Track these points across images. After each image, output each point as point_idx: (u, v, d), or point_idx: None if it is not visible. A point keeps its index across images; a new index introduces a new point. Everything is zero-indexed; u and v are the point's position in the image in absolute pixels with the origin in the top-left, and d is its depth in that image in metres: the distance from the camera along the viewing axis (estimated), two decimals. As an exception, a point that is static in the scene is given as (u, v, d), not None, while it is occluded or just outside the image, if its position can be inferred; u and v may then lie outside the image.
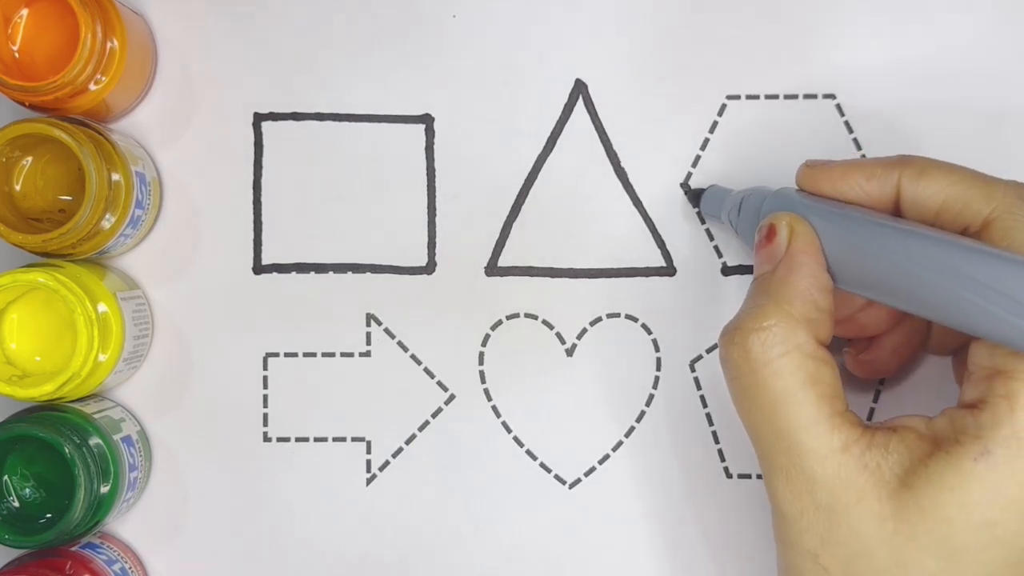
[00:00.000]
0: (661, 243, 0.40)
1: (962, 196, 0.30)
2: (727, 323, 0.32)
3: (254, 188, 0.40)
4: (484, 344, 0.40)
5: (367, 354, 0.40)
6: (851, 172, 0.33)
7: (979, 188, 0.30)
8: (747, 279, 0.39)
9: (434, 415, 0.40)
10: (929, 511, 0.29)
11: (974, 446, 0.29)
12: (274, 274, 0.40)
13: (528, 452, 0.40)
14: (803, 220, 0.32)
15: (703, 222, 0.40)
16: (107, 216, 0.36)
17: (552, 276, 0.40)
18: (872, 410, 0.39)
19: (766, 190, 0.35)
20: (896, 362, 0.37)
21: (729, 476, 0.40)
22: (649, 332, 0.40)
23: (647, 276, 0.40)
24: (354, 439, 0.40)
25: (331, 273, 0.40)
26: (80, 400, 0.38)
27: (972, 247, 0.28)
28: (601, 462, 0.40)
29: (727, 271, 0.40)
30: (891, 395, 0.39)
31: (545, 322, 0.40)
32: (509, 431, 0.40)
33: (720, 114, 0.39)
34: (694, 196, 0.39)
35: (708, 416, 0.40)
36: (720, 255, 0.40)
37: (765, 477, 0.32)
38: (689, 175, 0.40)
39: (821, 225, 0.32)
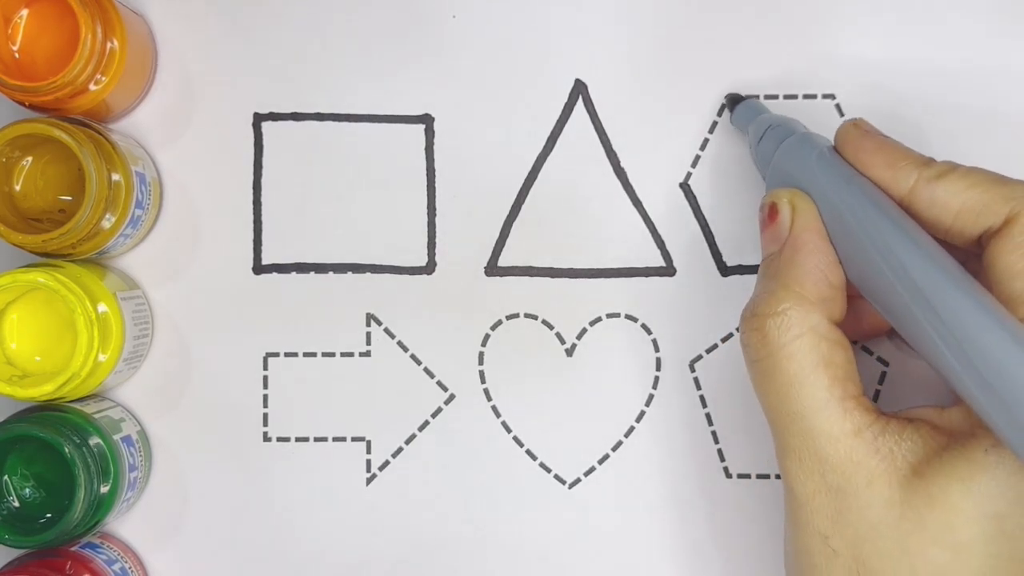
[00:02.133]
0: (661, 243, 0.40)
1: (980, 199, 0.30)
2: (745, 307, 0.32)
3: (254, 188, 0.40)
4: (484, 344, 0.40)
5: (367, 354, 0.40)
6: (876, 152, 0.32)
7: (997, 190, 0.30)
8: (747, 279, 0.40)
9: (434, 415, 0.40)
10: (938, 500, 0.29)
11: (986, 438, 0.29)
12: (274, 274, 0.40)
13: (528, 452, 0.40)
14: (804, 196, 0.33)
15: (701, 222, 0.40)
16: (107, 216, 0.36)
17: (552, 276, 0.40)
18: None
19: (792, 127, 0.35)
20: (880, 326, 0.36)
21: (729, 476, 0.40)
22: (649, 332, 0.40)
23: (647, 276, 0.40)
24: (354, 439, 0.40)
25: (331, 273, 0.40)
26: (80, 400, 0.38)
27: (950, 276, 0.28)
28: (601, 462, 0.40)
29: (727, 271, 0.40)
30: (894, 386, 0.39)
31: (545, 322, 0.40)
32: (509, 431, 0.40)
33: (720, 114, 0.39)
34: (731, 101, 0.39)
35: (708, 416, 0.40)
36: (720, 255, 0.40)
37: (779, 458, 0.32)
38: (689, 175, 0.40)
39: (820, 193, 0.32)
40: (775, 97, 0.39)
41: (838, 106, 0.39)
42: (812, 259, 0.32)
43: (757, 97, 0.39)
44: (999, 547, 0.29)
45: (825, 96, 0.39)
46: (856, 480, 0.30)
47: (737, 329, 0.39)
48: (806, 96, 0.39)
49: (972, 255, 0.32)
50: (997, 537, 0.29)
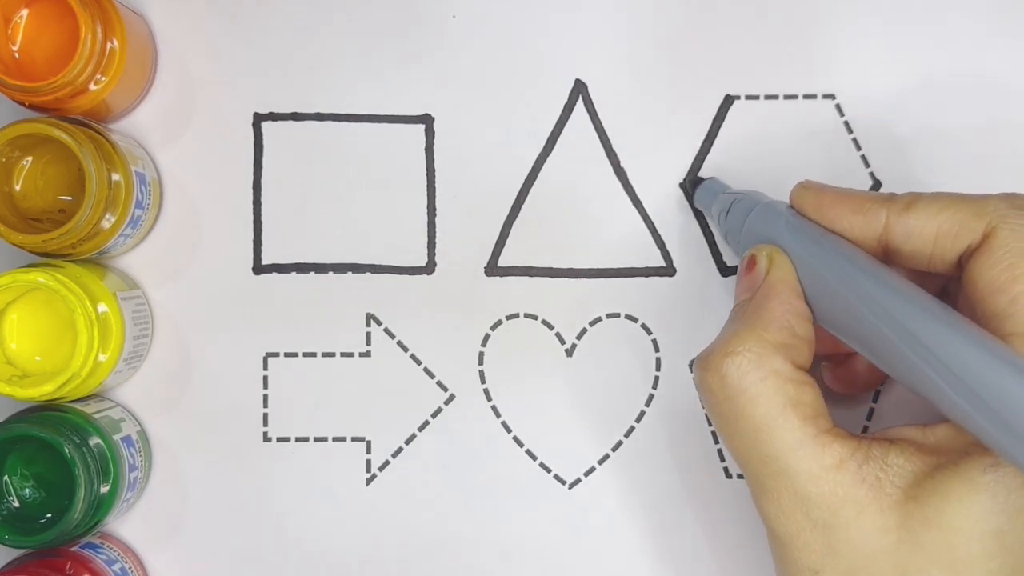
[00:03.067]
0: (661, 243, 0.40)
1: (954, 220, 0.30)
2: (701, 351, 0.32)
3: (254, 188, 0.40)
4: (484, 344, 0.40)
5: (367, 354, 0.40)
6: (840, 203, 0.32)
7: (969, 208, 0.30)
8: (747, 279, 0.40)
9: (434, 415, 0.40)
10: (935, 521, 0.29)
11: (984, 458, 0.28)
12: (274, 274, 0.40)
13: (528, 452, 0.40)
14: (782, 252, 0.33)
15: (700, 222, 0.40)
16: (107, 216, 0.36)
17: (552, 276, 0.40)
18: (866, 427, 0.39)
19: (758, 198, 0.35)
20: (874, 378, 0.37)
21: (728, 476, 0.40)
22: (649, 332, 0.40)
23: (647, 276, 0.40)
24: (354, 439, 0.40)
25: (331, 273, 0.40)
26: (80, 400, 0.38)
27: (935, 314, 0.28)
28: (601, 462, 0.40)
29: (727, 271, 0.40)
30: (888, 406, 0.39)
31: (545, 322, 0.40)
32: (509, 431, 0.40)
33: (720, 114, 0.39)
34: (691, 184, 0.39)
35: (707, 416, 0.40)
36: (720, 255, 0.40)
37: (756, 500, 0.31)
38: (689, 175, 0.40)
39: (795, 253, 0.32)
40: (775, 97, 0.39)
41: (838, 106, 0.39)
42: (780, 307, 0.31)
43: (713, 178, 0.39)
44: (1000, 562, 0.29)
45: (825, 96, 0.39)
46: (844, 513, 0.29)
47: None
48: (806, 96, 0.39)
49: (953, 280, 0.31)
50: (998, 553, 0.28)
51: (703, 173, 0.39)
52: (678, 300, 0.40)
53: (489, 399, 0.40)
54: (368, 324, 0.40)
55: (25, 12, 0.37)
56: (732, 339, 0.31)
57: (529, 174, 0.40)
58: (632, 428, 0.40)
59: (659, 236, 0.40)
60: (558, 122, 0.40)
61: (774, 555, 0.32)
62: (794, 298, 0.32)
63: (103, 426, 0.37)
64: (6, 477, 0.37)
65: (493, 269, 0.40)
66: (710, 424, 0.40)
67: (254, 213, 0.40)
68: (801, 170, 0.39)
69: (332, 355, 0.40)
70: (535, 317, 0.40)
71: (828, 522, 0.30)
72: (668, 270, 0.40)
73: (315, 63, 0.40)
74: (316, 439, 0.40)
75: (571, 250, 0.40)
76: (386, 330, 0.40)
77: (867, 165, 0.39)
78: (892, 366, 0.29)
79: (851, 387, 0.37)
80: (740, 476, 0.39)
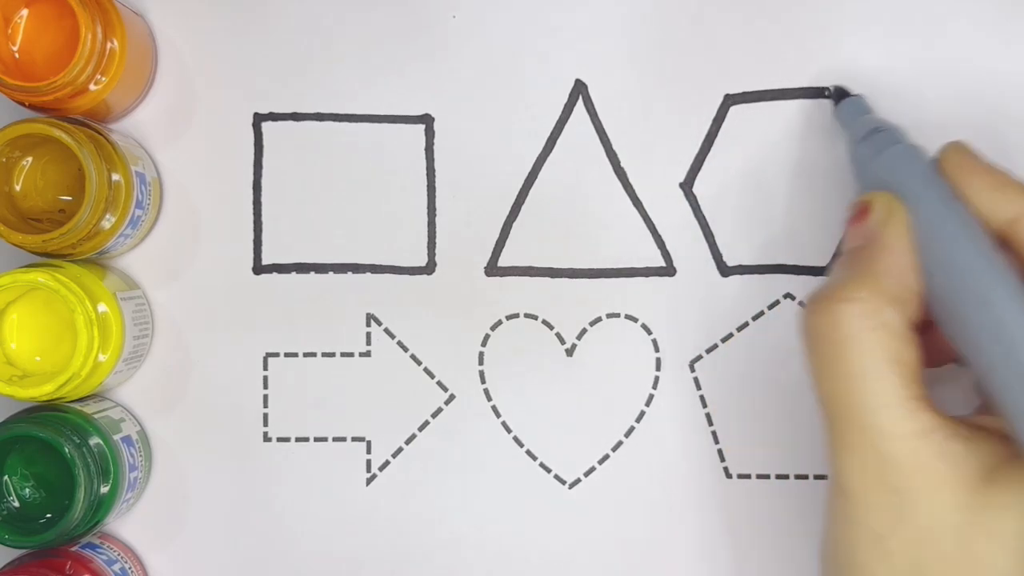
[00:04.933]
0: (661, 243, 0.40)
1: None
2: (811, 292, 0.32)
3: (254, 188, 0.40)
4: (484, 344, 0.40)
5: (367, 354, 0.40)
6: (983, 173, 0.32)
7: None
8: (747, 279, 0.40)
9: (434, 415, 0.40)
10: (1010, 508, 0.29)
11: None
12: (274, 274, 0.40)
13: (528, 452, 0.40)
14: (901, 204, 0.32)
15: (700, 222, 0.40)
16: (107, 216, 0.36)
17: (552, 276, 0.40)
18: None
19: (899, 136, 0.35)
20: (942, 356, 0.36)
21: (729, 476, 0.40)
22: (649, 332, 0.40)
23: (647, 276, 0.40)
24: (354, 439, 0.40)
25: (331, 273, 0.40)
26: (80, 400, 0.38)
27: None
28: (601, 462, 0.40)
29: (727, 271, 0.40)
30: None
31: (545, 322, 0.40)
32: (509, 431, 0.40)
33: (720, 114, 0.39)
34: (837, 95, 0.38)
35: (708, 416, 0.40)
36: (720, 255, 0.40)
37: (832, 451, 0.31)
38: (689, 175, 0.40)
39: (920, 209, 0.32)
40: (775, 97, 0.39)
41: (838, 106, 0.39)
42: (898, 260, 0.31)
43: (861, 95, 0.38)
44: None
45: (825, 96, 0.39)
46: (920, 483, 0.29)
47: (738, 329, 0.39)
48: (806, 96, 0.39)
49: None
50: None
51: (701, 176, 0.39)
52: (678, 300, 0.40)
53: (489, 399, 0.40)
54: (368, 324, 0.40)
55: (25, 12, 0.37)
56: (848, 285, 0.31)
57: (529, 174, 0.40)
58: (632, 428, 0.40)
59: (659, 236, 0.40)
60: (558, 122, 0.40)
61: (833, 513, 0.31)
62: (911, 253, 0.31)
63: (103, 426, 0.37)
64: (6, 477, 0.37)
65: (493, 269, 0.40)
66: (710, 424, 0.40)
67: (254, 213, 0.40)
68: (801, 170, 0.39)
69: (332, 355, 0.40)
70: (535, 317, 0.40)
71: (902, 488, 0.29)
72: (668, 270, 0.40)
73: (315, 63, 0.40)
74: (316, 439, 0.40)
75: (571, 250, 0.40)
76: (386, 330, 0.40)
77: (867, 165, 0.39)
78: (968, 349, 0.29)
79: (933, 357, 0.36)
80: (740, 476, 0.39)
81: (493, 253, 0.40)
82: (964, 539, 0.29)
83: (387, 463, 0.40)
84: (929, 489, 0.29)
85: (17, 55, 0.37)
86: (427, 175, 0.40)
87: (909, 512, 0.29)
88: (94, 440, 0.36)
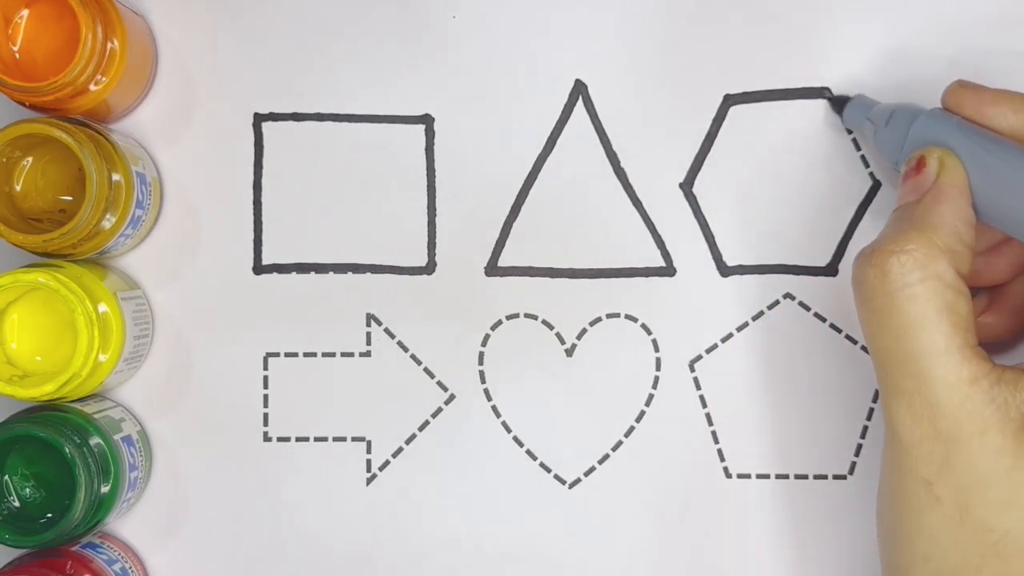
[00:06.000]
0: (661, 243, 0.40)
1: None
2: (864, 246, 0.32)
3: (254, 188, 0.40)
4: (484, 344, 0.40)
5: (367, 354, 0.40)
6: (1001, 101, 0.33)
7: None
8: (747, 279, 0.40)
9: (434, 415, 0.40)
10: None
11: None
12: (274, 274, 0.40)
13: (528, 452, 0.40)
14: (954, 156, 0.33)
15: (700, 222, 0.40)
16: (107, 216, 0.36)
17: (552, 276, 0.40)
18: (865, 427, 0.39)
19: (917, 108, 0.35)
20: (1018, 324, 0.36)
21: (728, 476, 0.40)
22: (649, 332, 0.40)
23: (647, 276, 0.40)
24: (354, 439, 0.40)
25: (331, 273, 0.40)
26: (80, 400, 0.38)
27: None
28: (601, 462, 0.40)
29: (726, 271, 0.40)
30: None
31: (545, 322, 0.40)
32: (509, 431, 0.40)
33: (720, 114, 0.39)
34: (838, 104, 0.39)
35: (708, 416, 0.40)
36: (720, 255, 0.40)
37: (885, 401, 0.32)
38: (689, 175, 0.40)
39: (970, 155, 0.32)
40: (775, 97, 0.39)
41: (838, 106, 0.39)
42: (951, 211, 0.32)
43: (860, 95, 0.38)
44: None
45: (824, 97, 0.39)
46: (969, 428, 0.30)
47: (737, 330, 0.40)
48: (806, 96, 0.39)
49: None
50: None
51: (701, 176, 0.39)
52: (678, 300, 0.40)
53: (489, 399, 0.40)
54: (368, 324, 0.40)
55: (25, 12, 0.37)
56: (900, 237, 0.31)
57: (529, 174, 0.40)
58: (632, 428, 0.40)
59: (659, 236, 0.40)
60: (558, 122, 0.40)
61: (888, 460, 0.32)
62: (964, 204, 0.32)
63: (103, 426, 0.37)
64: (6, 477, 0.37)
65: (493, 269, 0.40)
66: (710, 424, 0.40)
67: (254, 213, 0.40)
68: (801, 170, 0.39)
69: (332, 355, 0.40)
70: (535, 317, 0.40)
71: (951, 434, 0.30)
72: (668, 270, 0.40)
73: (315, 63, 0.40)
74: (316, 439, 0.40)
75: (571, 250, 0.40)
76: (386, 330, 0.40)
77: (867, 165, 0.39)
78: None
79: (992, 333, 0.36)
80: (740, 476, 0.39)
81: (493, 253, 0.40)
82: (1011, 484, 0.30)
83: (387, 463, 0.40)
84: (977, 435, 0.30)
85: (17, 55, 0.37)
86: (427, 175, 0.40)
87: (956, 458, 0.30)
88: (94, 440, 0.36)
